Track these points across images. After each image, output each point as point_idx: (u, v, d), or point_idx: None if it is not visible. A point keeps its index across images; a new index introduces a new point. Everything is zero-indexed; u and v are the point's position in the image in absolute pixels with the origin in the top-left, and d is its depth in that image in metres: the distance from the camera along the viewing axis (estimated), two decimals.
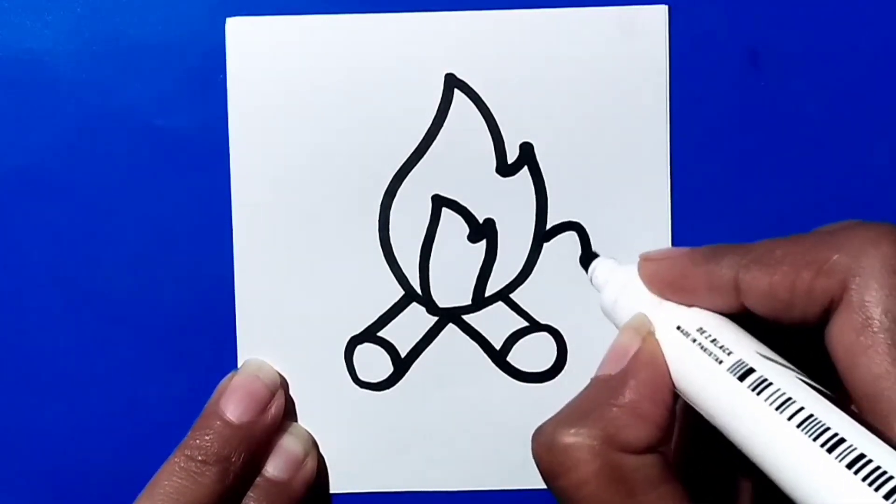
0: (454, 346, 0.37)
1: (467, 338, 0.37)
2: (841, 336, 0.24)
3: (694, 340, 0.26)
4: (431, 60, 0.36)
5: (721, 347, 0.26)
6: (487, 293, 0.36)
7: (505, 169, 0.36)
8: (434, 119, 0.36)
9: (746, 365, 0.25)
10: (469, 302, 0.37)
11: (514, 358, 0.37)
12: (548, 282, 0.36)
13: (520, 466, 0.36)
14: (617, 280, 0.29)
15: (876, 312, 0.23)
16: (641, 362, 0.27)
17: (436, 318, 0.37)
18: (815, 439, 0.22)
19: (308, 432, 0.36)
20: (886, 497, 0.21)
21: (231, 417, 0.34)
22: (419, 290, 0.36)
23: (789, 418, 0.23)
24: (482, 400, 0.37)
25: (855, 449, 0.22)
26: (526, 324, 0.37)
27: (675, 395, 0.27)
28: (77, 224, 0.36)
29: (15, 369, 0.37)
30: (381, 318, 0.36)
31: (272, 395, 0.35)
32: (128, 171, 0.36)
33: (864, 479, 0.21)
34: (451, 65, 0.36)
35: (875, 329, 0.23)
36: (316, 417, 0.36)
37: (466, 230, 0.36)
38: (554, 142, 0.36)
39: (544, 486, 0.36)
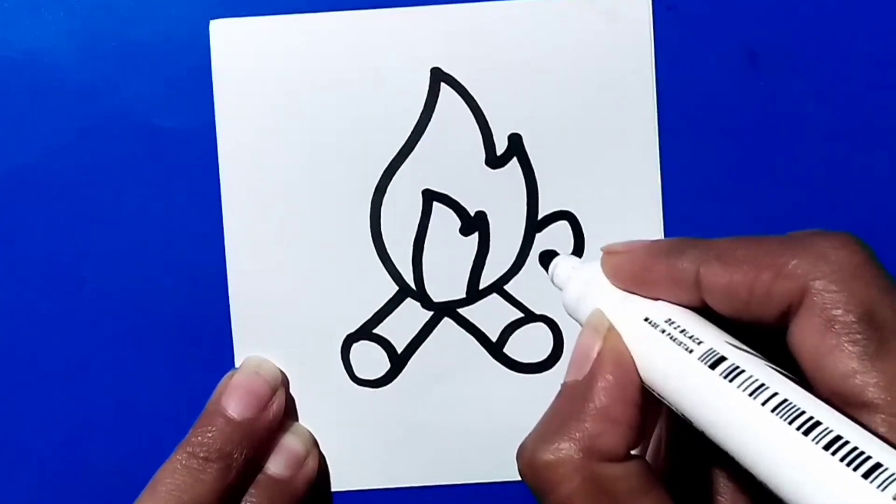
0: (450, 340, 0.36)
1: (463, 331, 0.37)
2: (804, 338, 0.24)
3: (663, 331, 0.26)
4: (417, 55, 0.36)
5: (691, 337, 0.25)
6: (482, 286, 0.36)
7: (494, 161, 0.36)
8: (421, 114, 0.36)
9: (717, 353, 0.25)
10: (463, 295, 0.37)
11: (511, 349, 0.37)
12: (541, 272, 0.36)
13: None
14: (580, 276, 0.29)
15: (837, 313, 0.23)
16: (605, 362, 0.26)
17: (431, 313, 0.36)
18: (790, 423, 0.22)
19: (309, 431, 0.36)
20: (865, 476, 0.21)
21: (233, 414, 0.34)
22: (413, 286, 0.36)
23: (763, 403, 0.23)
24: (480, 393, 0.37)
25: (831, 431, 0.22)
26: (521, 315, 0.37)
27: (644, 391, 0.26)
28: (72, 224, 0.36)
29: (11, 368, 0.37)
30: (375, 314, 0.36)
31: (273, 391, 0.35)
32: (124, 170, 0.36)
33: (842, 460, 0.21)
34: (436, 59, 0.36)
35: (838, 329, 0.23)
36: (314, 416, 0.36)
37: (458, 223, 0.36)
38: (542, 131, 0.36)
39: None
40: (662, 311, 0.26)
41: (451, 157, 0.36)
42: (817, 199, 0.37)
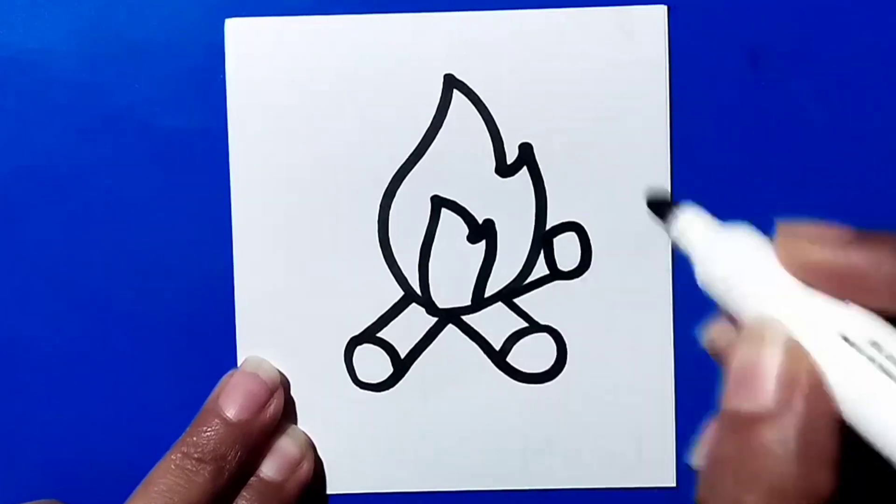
0: (454, 347, 0.36)
1: (467, 338, 0.37)
2: None
3: (872, 359, 0.20)
4: (430, 61, 0.36)
5: None
6: (487, 294, 0.36)
7: (504, 169, 0.36)
8: (433, 119, 0.36)
9: None
10: (469, 302, 0.37)
11: (514, 359, 0.37)
12: (547, 282, 0.36)
13: (519, 467, 0.36)
14: (729, 247, 0.23)
15: None
16: (796, 392, 0.21)
17: (435, 319, 0.36)
18: None
19: (306, 435, 0.36)
20: None
21: (229, 415, 0.33)
22: (419, 291, 0.36)
23: None
24: (482, 401, 0.37)
25: None
26: (525, 324, 0.36)
27: (842, 425, 0.21)
28: (77, 224, 0.36)
29: (14, 368, 0.37)
30: (380, 318, 0.36)
31: (271, 393, 0.35)
32: (128, 171, 0.36)
33: None
34: (449, 65, 0.36)
35: None
36: (316, 418, 0.36)
37: (466, 231, 0.36)
38: (553, 142, 0.36)
39: (543, 487, 0.37)
40: (863, 326, 0.21)
41: (461, 164, 0.36)
42: (826, 199, 0.36)
